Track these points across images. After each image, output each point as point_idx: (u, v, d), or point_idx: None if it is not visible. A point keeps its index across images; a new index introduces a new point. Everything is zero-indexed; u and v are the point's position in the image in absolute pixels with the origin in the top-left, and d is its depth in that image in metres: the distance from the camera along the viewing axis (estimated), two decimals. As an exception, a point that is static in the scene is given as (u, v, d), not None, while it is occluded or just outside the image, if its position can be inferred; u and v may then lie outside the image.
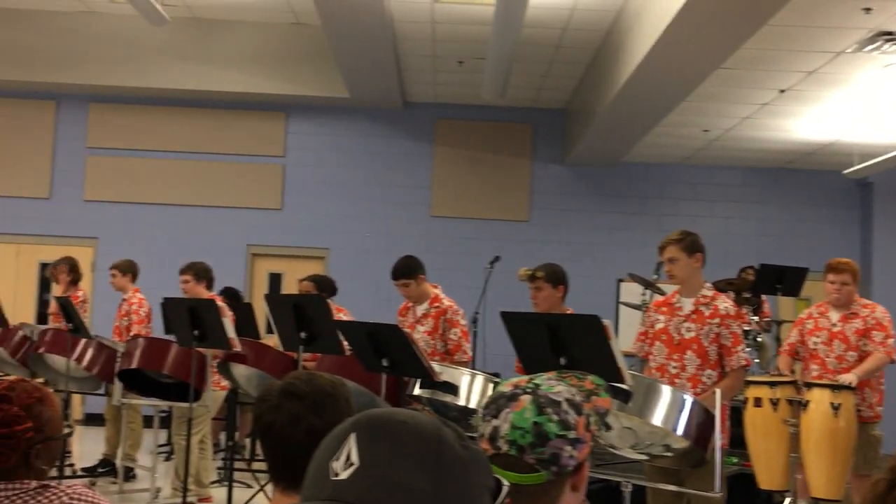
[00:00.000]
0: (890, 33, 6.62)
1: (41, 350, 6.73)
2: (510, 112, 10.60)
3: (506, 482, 1.09)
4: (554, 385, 1.78)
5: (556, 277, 4.83)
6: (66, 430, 2.11)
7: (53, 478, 2.07)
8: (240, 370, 5.73)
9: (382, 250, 10.21)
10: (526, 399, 1.69)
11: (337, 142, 10.69)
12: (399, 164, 10.68)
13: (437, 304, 5.40)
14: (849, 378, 5.09)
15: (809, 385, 5.14)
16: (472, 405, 4.33)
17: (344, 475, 0.89)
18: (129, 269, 7.20)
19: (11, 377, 2.13)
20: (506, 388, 1.76)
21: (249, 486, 6.70)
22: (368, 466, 0.89)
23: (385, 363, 4.37)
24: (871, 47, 6.87)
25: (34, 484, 1.96)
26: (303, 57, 9.79)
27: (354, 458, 0.91)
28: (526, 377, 1.80)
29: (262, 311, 8.16)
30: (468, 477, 0.92)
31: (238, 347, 5.40)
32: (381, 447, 0.90)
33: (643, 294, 7.97)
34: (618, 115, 8.37)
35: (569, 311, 4.82)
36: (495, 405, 1.72)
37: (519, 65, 8.71)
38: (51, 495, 1.96)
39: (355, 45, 8.01)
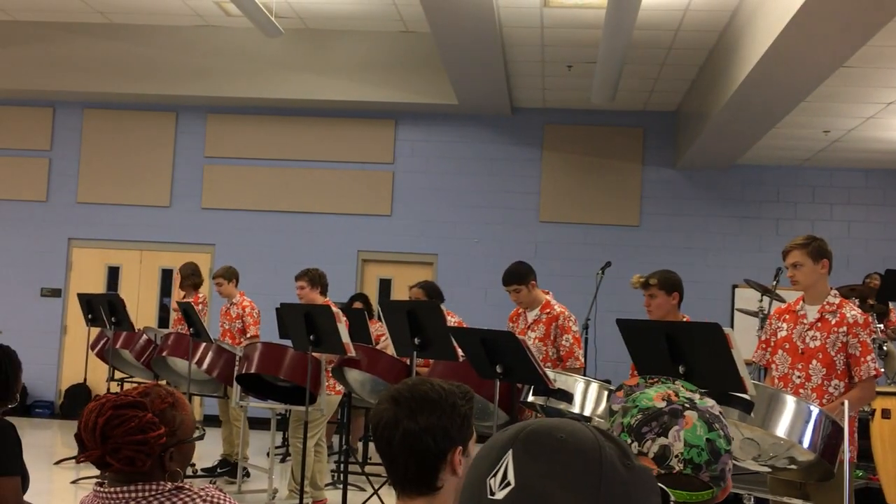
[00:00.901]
0: None
1: (164, 353, 6.98)
2: (620, 116, 10.47)
3: (672, 497, 1.07)
4: (704, 398, 1.78)
5: (670, 284, 4.73)
6: (198, 433, 2.17)
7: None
8: (354, 375, 5.81)
9: (491, 256, 10.23)
10: (692, 415, 1.69)
11: (445, 148, 10.76)
12: (507, 169, 10.68)
13: (548, 310, 5.36)
14: None
15: (943, 397, 4.89)
16: (587, 413, 4.28)
17: (500, 495, 0.88)
18: (231, 276, 7.42)
19: (146, 382, 2.21)
20: (657, 402, 1.74)
21: (363, 489, 6.79)
22: (525, 487, 0.87)
23: (499, 369, 4.36)
24: None
25: (169, 486, 2.03)
26: (412, 65, 9.90)
27: (511, 476, 0.89)
28: (662, 389, 1.78)
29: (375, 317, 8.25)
30: (630, 499, 0.89)
31: (352, 352, 5.48)
32: (538, 466, 0.87)
33: (760, 301, 7.73)
34: (732, 118, 8.15)
35: (685, 319, 4.71)
36: (659, 423, 1.70)
37: (629, 67, 8.59)
38: (185, 497, 2.02)
39: (464, 51, 8.04)
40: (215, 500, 2.04)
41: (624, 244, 10.36)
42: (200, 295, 7.76)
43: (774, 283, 7.13)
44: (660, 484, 1.70)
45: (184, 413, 2.11)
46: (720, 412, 1.74)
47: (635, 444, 1.70)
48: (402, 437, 1.84)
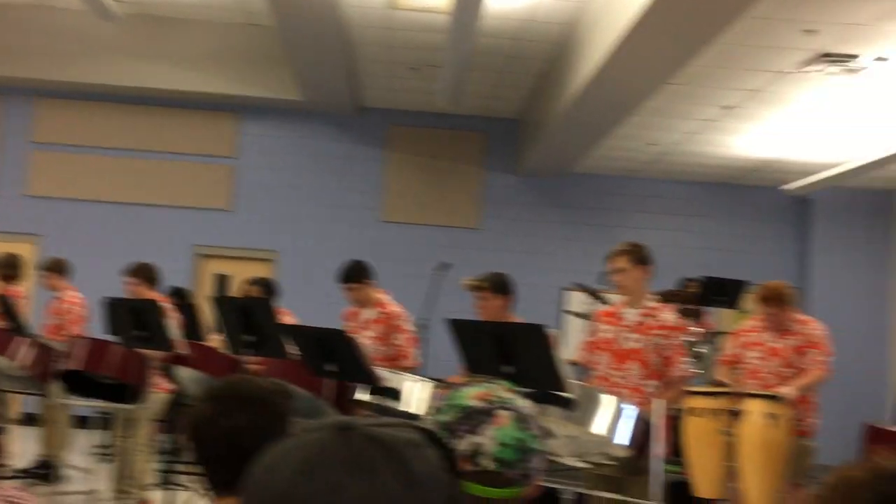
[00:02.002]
0: (830, 55, 6.78)
1: (-22, 348, 6.55)
2: (464, 120, 10.63)
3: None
4: (518, 398, 1.82)
5: (500, 287, 4.84)
6: None
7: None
8: (184, 372, 5.64)
9: (332, 254, 10.15)
10: (505, 415, 1.73)
11: (289, 144, 10.62)
12: (351, 168, 10.65)
13: (383, 310, 5.38)
14: (787, 391, 5.17)
15: (746, 396, 5.22)
16: (416, 411, 4.32)
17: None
18: (57, 268, 7.03)
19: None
20: (472, 401, 1.77)
21: (189, 489, 6.60)
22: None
23: (330, 368, 4.34)
24: (811, 68, 7.03)
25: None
26: (256, 58, 9.71)
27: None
28: (481, 388, 1.81)
29: (207, 313, 8.05)
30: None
31: (182, 350, 5.32)
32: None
33: (589, 304, 8.02)
34: (568, 127, 8.44)
35: (515, 320, 4.83)
36: (470, 421, 1.74)
37: (474, 73, 8.74)
38: (-17, 497, 1.91)
39: (309, 48, 7.96)
40: (14, 500, 1.93)
41: (464, 246, 10.53)
42: (20, 287, 7.34)
43: (601, 287, 7.42)
44: (468, 481, 1.75)
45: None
46: (536, 412, 1.79)
47: (451, 441, 1.73)
48: (218, 436, 1.81)
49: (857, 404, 9.93)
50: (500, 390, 1.80)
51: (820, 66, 6.97)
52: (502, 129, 10.74)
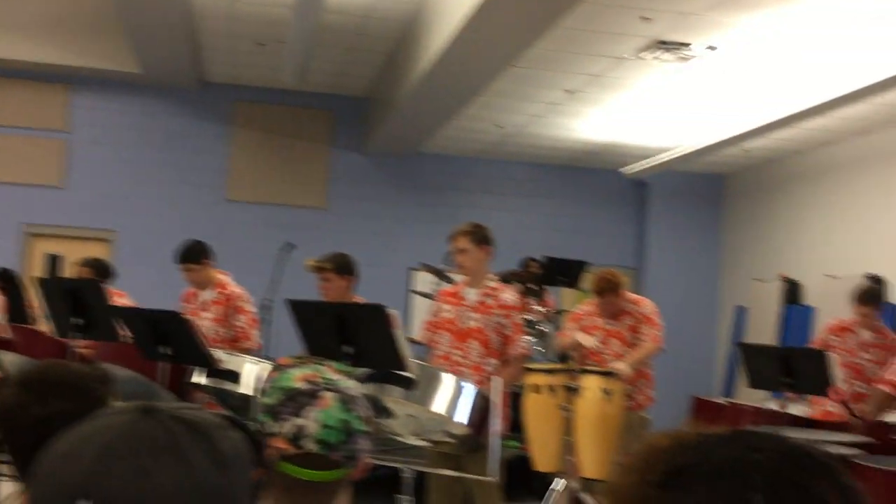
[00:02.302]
0: (664, 42, 7.05)
1: None
2: (311, 98, 10.47)
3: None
4: (344, 379, 1.80)
5: (344, 267, 4.81)
6: None
7: None
8: (9, 358, 5.31)
9: (173, 233, 9.78)
10: (330, 396, 1.70)
11: (127, 119, 10.16)
12: (194, 145, 10.30)
13: (223, 291, 5.25)
14: (621, 368, 5.35)
15: (583, 372, 5.38)
16: (252, 392, 4.24)
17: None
18: None
19: None
20: (296, 383, 1.74)
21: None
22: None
23: (165, 351, 4.19)
24: (647, 54, 7.29)
25: None
26: (90, 26, 9.22)
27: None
28: (307, 370, 1.79)
29: (36, 296, 7.63)
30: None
31: (7, 334, 5.02)
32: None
33: (436, 284, 8.10)
34: (415, 106, 8.44)
35: (358, 301, 4.81)
36: (294, 403, 1.70)
37: (321, 50, 8.60)
38: None
39: (147, 17, 7.62)
40: None
41: (311, 226, 10.39)
42: None
43: (444, 266, 7.50)
44: (291, 464, 1.71)
45: None
46: (362, 394, 1.77)
47: (274, 424, 1.69)
48: (30, 425, 1.71)
49: (690, 378, 10.46)
50: (327, 372, 1.77)
51: (655, 53, 7.24)
52: (350, 108, 10.64)
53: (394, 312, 3.72)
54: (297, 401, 1.72)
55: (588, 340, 5.48)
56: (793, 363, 4.81)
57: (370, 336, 3.76)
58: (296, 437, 1.70)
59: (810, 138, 9.47)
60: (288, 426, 1.71)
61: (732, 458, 0.84)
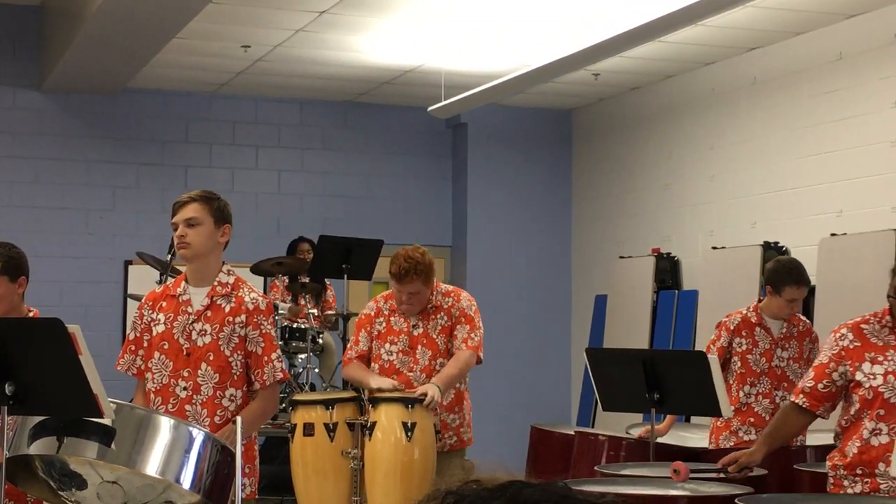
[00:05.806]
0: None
1: None
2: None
3: None
4: None
5: (13, 269, 4.65)
6: None
7: None
8: None
9: None
10: None
11: None
12: None
13: None
14: (428, 390, 5.40)
15: (374, 401, 5.43)
16: None
17: None
18: None
19: None
20: None
21: None
22: None
23: None
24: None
25: None
26: None
27: None
28: None
29: None
30: None
31: None
32: None
33: (160, 281, 7.98)
34: (118, 19, 8.24)
35: (32, 313, 4.69)
36: None
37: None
38: None
39: None
40: None
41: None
42: None
43: (170, 255, 7.38)
44: None
45: None
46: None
47: None
48: None
49: (539, 399, 10.83)
50: None
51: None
52: (16, 23, 10.28)
53: (74, 330, 3.63)
54: None
55: (387, 383, 5.51)
56: (661, 373, 5.03)
57: (45, 366, 3.69)
58: None
59: (686, 55, 9.90)
60: None
61: None
